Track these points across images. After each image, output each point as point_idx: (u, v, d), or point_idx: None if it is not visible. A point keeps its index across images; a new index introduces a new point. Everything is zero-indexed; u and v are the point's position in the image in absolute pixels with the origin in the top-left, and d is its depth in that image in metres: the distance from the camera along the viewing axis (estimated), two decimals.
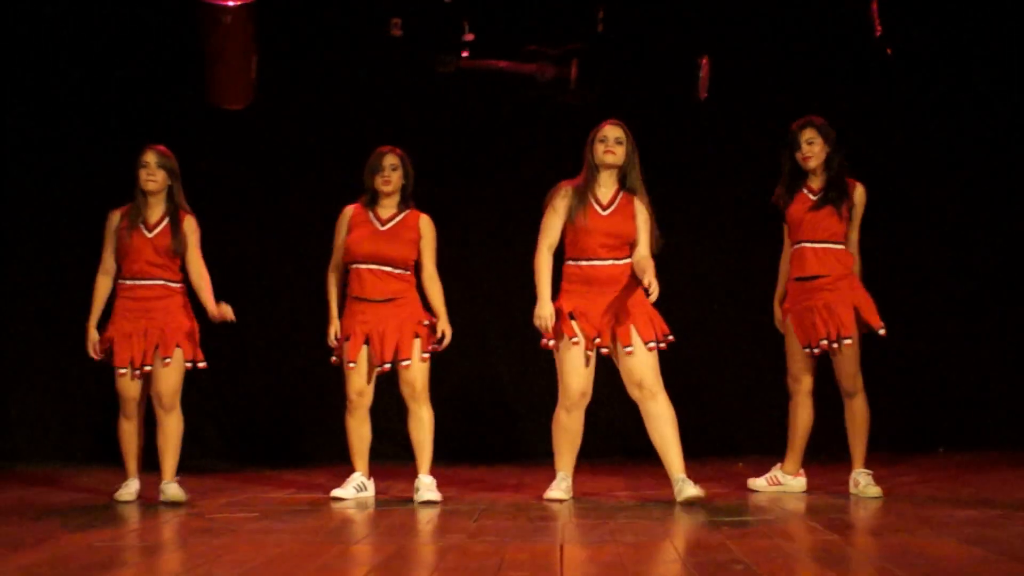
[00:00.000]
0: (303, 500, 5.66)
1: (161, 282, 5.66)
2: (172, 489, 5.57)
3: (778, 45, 7.82)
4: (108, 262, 5.74)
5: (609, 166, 5.51)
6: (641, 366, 5.41)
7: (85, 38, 7.71)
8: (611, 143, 5.51)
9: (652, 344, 5.41)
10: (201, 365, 5.69)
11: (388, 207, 5.73)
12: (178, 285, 5.72)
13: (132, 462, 5.71)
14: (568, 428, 5.55)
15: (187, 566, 3.81)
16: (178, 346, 5.60)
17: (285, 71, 7.56)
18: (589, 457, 7.55)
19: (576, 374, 5.46)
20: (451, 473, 6.43)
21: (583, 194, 5.48)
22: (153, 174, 5.65)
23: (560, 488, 5.54)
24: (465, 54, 7.28)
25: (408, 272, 5.71)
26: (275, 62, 7.34)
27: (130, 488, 5.68)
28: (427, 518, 4.96)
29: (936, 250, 8.01)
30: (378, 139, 7.88)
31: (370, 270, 5.63)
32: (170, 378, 5.62)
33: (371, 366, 5.65)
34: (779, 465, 5.75)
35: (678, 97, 7.47)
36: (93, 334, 5.69)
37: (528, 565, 3.71)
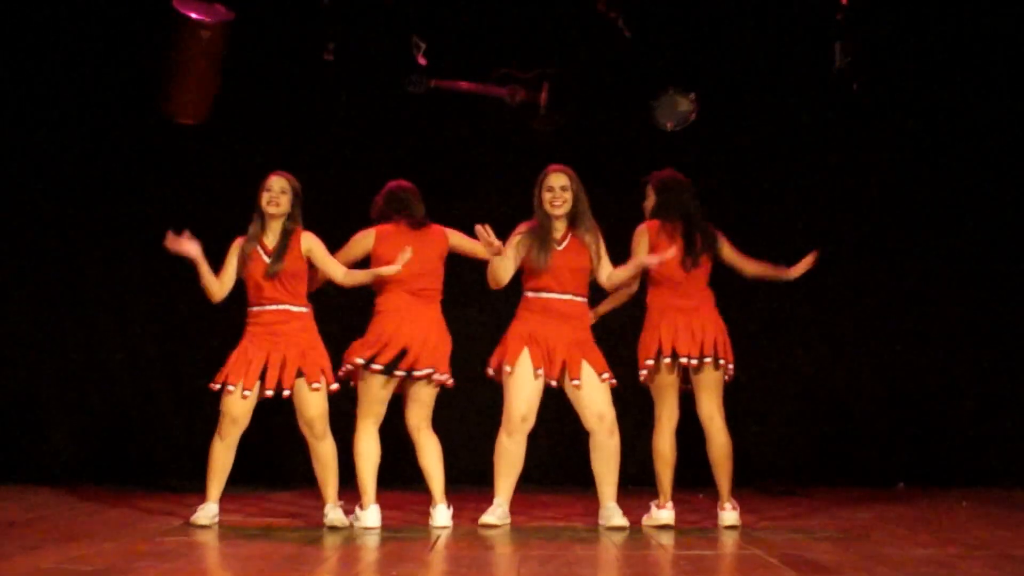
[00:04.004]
0: (256, 524, 5.59)
1: (284, 307, 5.54)
2: (335, 514, 5.49)
3: (747, 75, 7.83)
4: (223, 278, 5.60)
5: (558, 217, 5.59)
6: (600, 402, 5.55)
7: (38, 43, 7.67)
8: (557, 192, 5.58)
9: (606, 376, 5.56)
10: (333, 388, 5.58)
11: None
12: (302, 310, 5.58)
13: (215, 486, 5.56)
14: (508, 452, 5.59)
15: None
16: (323, 372, 5.51)
17: (249, 89, 7.52)
18: (546, 484, 7.55)
19: (519, 399, 5.54)
20: (414, 497, 6.35)
21: (541, 238, 5.55)
22: (277, 198, 5.54)
23: (495, 514, 5.57)
24: (433, 83, 7.25)
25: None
26: (243, 79, 7.30)
27: (208, 512, 5.51)
28: (385, 547, 4.90)
29: (898, 287, 8.03)
30: (344, 159, 7.91)
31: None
32: (317, 404, 5.53)
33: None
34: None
35: (647, 123, 7.46)
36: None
37: None
